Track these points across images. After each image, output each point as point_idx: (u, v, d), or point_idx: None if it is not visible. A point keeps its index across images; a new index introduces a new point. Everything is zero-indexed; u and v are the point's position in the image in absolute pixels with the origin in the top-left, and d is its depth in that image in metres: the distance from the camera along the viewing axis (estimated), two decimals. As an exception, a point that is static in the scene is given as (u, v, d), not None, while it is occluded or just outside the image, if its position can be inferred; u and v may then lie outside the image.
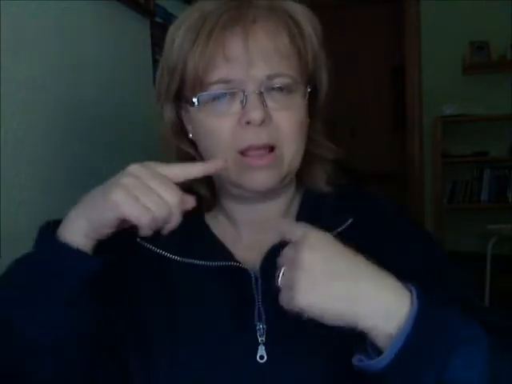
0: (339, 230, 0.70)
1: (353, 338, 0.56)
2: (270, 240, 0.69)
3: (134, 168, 0.57)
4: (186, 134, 0.71)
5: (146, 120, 1.55)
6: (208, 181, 0.72)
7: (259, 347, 0.63)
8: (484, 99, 3.73)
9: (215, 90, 0.65)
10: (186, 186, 0.72)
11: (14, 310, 0.57)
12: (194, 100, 0.66)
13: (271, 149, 0.65)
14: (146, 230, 0.56)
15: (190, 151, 0.72)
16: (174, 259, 0.69)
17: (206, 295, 0.67)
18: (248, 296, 0.66)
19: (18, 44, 1.02)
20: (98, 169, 1.31)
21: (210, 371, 0.63)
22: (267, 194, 0.69)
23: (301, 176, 0.75)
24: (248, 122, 0.63)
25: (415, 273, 0.67)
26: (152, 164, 0.58)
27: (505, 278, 3.02)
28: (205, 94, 0.65)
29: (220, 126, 0.65)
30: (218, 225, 0.73)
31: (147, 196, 0.55)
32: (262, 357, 0.63)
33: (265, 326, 0.64)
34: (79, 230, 0.58)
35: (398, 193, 3.92)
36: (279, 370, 0.62)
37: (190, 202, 0.58)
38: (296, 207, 0.74)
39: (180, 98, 0.70)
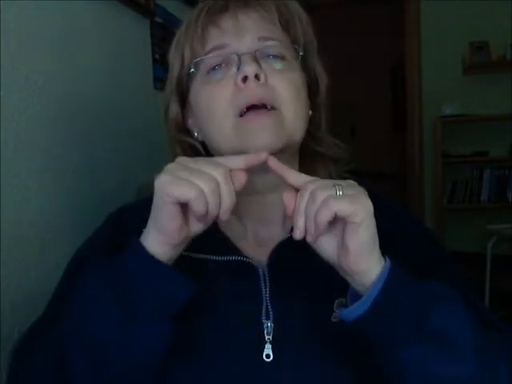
0: None
1: (360, 341, 0.57)
2: (275, 237, 0.69)
3: (176, 159, 0.57)
4: (191, 135, 0.72)
5: (146, 119, 1.55)
6: None
7: (266, 345, 0.63)
8: (484, 99, 3.73)
9: (211, 55, 0.67)
10: None
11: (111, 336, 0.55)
12: (192, 69, 0.68)
13: (272, 109, 0.65)
14: (200, 211, 0.53)
15: (195, 144, 0.72)
16: (182, 254, 0.68)
17: (213, 291, 0.66)
18: (256, 293, 0.65)
19: (18, 44, 1.02)
20: (98, 168, 1.31)
21: (214, 368, 0.62)
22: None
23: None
24: (244, 78, 0.64)
25: (416, 271, 0.68)
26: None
27: (505, 278, 3.02)
28: (200, 60, 0.68)
29: (217, 91, 0.66)
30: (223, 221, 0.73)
31: (191, 173, 0.54)
32: (268, 355, 0.62)
33: (272, 325, 0.63)
34: (155, 246, 0.57)
35: (398, 193, 3.92)
36: (285, 370, 0.62)
37: (241, 177, 0.57)
38: None
39: (182, 90, 0.71)
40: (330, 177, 0.74)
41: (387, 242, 0.70)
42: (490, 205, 3.78)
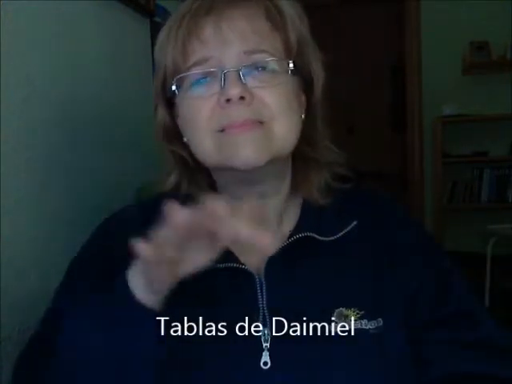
0: (344, 232, 0.69)
1: (356, 346, 0.57)
2: (270, 244, 0.68)
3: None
4: (181, 138, 0.70)
5: (146, 120, 1.55)
6: (211, 184, 0.72)
7: (263, 353, 0.62)
8: (484, 99, 3.73)
9: (193, 71, 0.64)
10: (189, 193, 0.71)
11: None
12: (173, 86, 0.65)
13: (259, 123, 0.62)
14: None
15: (183, 154, 0.70)
16: None
17: (209, 298, 0.65)
18: (252, 300, 0.64)
19: (17, 44, 1.02)
20: (98, 169, 1.31)
21: (212, 376, 0.62)
22: (259, 178, 0.65)
23: (296, 182, 0.73)
24: (227, 100, 0.61)
25: (417, 273, 0.68)
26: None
27: (505, 278, 3.01)
28: (182, 76, 0.64)
29: (199, 107, 0.63)
30: None
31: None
32: (265, 363, 0.62)
33: (269, 332, 0.63)
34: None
35: (397, 193, 3.92)
36: (283, 377, 0.61)
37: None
38: (297, 211, 0.72)
39: (168, 96, 0.69)
40: (325, 184, 0.72)
41: (390, 245, 0.70)
42: (490, 205, 3.78)
